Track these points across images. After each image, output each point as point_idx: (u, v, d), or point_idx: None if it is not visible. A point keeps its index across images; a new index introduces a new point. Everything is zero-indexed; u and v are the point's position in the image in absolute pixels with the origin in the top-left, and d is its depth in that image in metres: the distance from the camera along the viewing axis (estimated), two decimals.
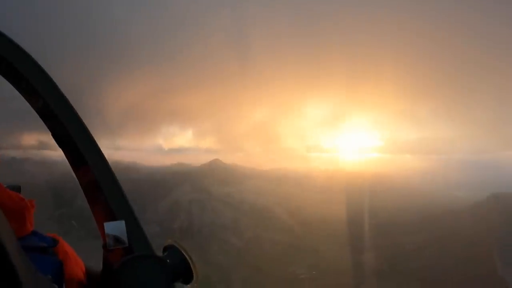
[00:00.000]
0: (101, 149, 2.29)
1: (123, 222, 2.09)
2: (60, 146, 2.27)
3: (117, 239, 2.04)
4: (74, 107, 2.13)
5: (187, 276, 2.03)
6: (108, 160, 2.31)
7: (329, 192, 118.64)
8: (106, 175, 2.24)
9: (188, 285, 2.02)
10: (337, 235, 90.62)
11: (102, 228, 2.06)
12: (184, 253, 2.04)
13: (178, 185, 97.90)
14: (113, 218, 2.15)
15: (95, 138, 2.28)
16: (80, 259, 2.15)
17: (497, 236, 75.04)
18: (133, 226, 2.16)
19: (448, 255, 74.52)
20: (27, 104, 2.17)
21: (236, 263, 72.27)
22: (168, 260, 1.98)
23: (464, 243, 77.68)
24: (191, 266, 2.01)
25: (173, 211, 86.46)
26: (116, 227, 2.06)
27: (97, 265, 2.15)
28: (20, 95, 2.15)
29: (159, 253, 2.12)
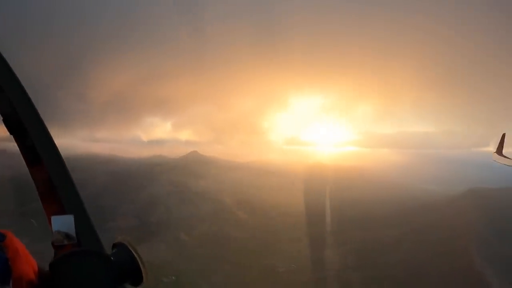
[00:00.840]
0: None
1: (71, 216, 1.96)
2: (11, 133, 2.21)
3: (65, 235, 1.94)
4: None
5: (136, 276, 1.93)
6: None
7: (307, 185, 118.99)
8: (58, 169, 2.13)
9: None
10: (315, 228, 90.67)
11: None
12: (133, 252, 1.95)
13: (156, 177, 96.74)
14: (63, 213, 2.03)
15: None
16: (32, 258, 1.95)
17: (475, 231, 76.08)
18: (83, 221, 2.05)
19: (426, 249, 74.99)
20: None
21: (216, 257, 71.61)
22: (113, 258, 1.90)
23: (442, 237, 78.34)
24: (140, 265, 1.92)
25: (151, 204, 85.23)
26: (64, 222, 1.94)
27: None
28: None
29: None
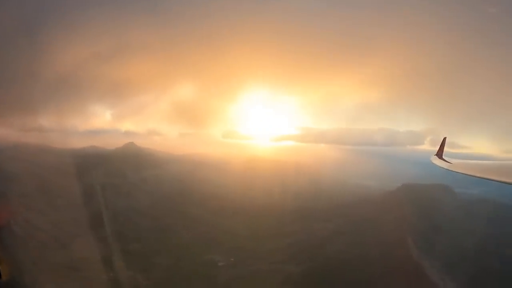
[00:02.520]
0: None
1: None
2: None
3: None
4: None
5: None
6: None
7: (244, 179, 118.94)
8: None
9: None
10: (253, 222, 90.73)
11: None
12: None
13: (91, 169, 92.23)
14: None
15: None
16: None
17: (409, 223, 79.15)
18: None
19: (363, 241, 77.09)
20: None
21: (153, 250, 69.32)
22: None
23: (378, 230, 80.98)
24: None
25: (86, 196, 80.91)
26: None
27: None
28: None
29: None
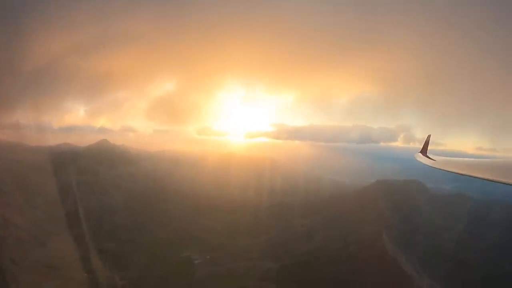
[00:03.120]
0: None
1: None
2: None
3: None
4: None
5: None
6: None
7: (220, 175, 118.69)
8: None
9: None
10: (229, 219, 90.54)
11: None
12: None
13: (63, 167, 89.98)
14: None
15: None
16: None
17: (383, 219, 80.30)
18: None
19: (338, 237, 77.78)
20: None
21: (128, 249, 68.17)
22: None
23: (353, 226, 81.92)
24: None
25: (57, 195, 78.75)
26: None
27: None
28: None
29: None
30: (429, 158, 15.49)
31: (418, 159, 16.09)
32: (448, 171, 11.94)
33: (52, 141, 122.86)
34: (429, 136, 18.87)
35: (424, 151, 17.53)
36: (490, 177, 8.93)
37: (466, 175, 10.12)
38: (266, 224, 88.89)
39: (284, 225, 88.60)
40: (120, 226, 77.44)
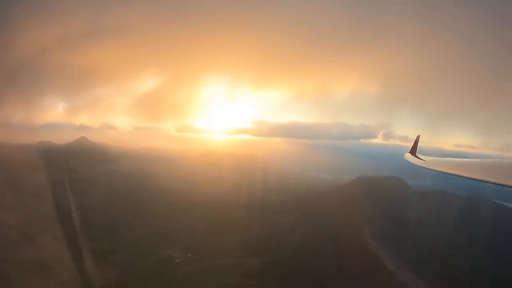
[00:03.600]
0: None
1: None
2: None
3: None
4: None
5: None
6: None
7: (200, 173, 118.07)
8: None
9: None
10: (210, 216, 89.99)
11: None
12: None
13: (42, 165, 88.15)
14: None
15: None
16: None
17: (364, 216, 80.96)
18: None
19: (320, 234, 78.06)
20: None
21: (108, 249, 67.02)
22: None
23: (334, 222, 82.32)
24: None
25: (37, 195, 76.97)
26: None
27: None
28: None
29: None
30: (419, 158, 15.62)
31: (407, 159, 16.19)
32: (438, 171, 11.94)
33: (31, 139, 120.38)
34: (418, 137, 19.09)
35: (413, 151, 17.69)
36: (479, 177, 8.93)
37: (455, 175, 10.09)
38: (247, 221, 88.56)
39: (266, 222, 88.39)
40: (99, 225, 76.11)
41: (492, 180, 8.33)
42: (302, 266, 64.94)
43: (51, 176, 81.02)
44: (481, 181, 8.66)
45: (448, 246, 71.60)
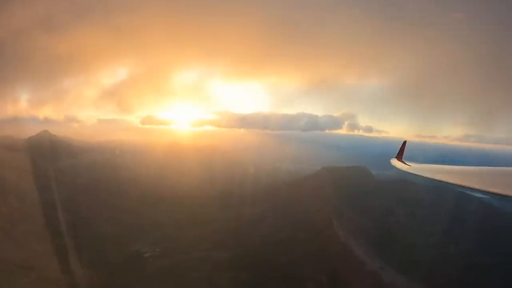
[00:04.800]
0: None
1: None
2: None
3: None
4: None
5: None
6: None
7: (165, 166, 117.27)
8: None
9: None
10: (177, 209, 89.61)
11: None
12: None
13: (3, 161, 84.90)
14: None
15: None
16: None
17: (331, 205, 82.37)
18: None
19: (288, 224, 78.90)
20: None
21: (74, 245, 65.41)
22: None
23: (302, 212, 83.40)
24: None
25: None
26: None
27: None
28: None
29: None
30: (405, 163, 15.93)
31: (394, 164, 16.51)
32: (424, 177, 12.23)
33: None
34: (405, 142, 19.46)
35: (399, 156, 18.02)
36: (464, 184, 9.26)
37: (442, 182, 10.38)
38: (215, 213, 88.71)
39: (233, 214, 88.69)
40: (63, 222, 74.14)
41: (477, 186, 8.67)
42: (271, 256, 65.56)
43: (12, 172, 78.49)
44: (467, 188, 8.98)
45: (413, 233, 73.97)
